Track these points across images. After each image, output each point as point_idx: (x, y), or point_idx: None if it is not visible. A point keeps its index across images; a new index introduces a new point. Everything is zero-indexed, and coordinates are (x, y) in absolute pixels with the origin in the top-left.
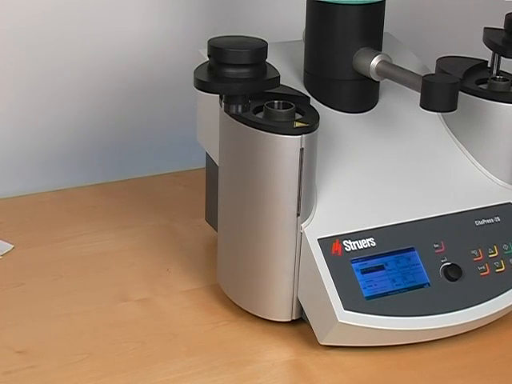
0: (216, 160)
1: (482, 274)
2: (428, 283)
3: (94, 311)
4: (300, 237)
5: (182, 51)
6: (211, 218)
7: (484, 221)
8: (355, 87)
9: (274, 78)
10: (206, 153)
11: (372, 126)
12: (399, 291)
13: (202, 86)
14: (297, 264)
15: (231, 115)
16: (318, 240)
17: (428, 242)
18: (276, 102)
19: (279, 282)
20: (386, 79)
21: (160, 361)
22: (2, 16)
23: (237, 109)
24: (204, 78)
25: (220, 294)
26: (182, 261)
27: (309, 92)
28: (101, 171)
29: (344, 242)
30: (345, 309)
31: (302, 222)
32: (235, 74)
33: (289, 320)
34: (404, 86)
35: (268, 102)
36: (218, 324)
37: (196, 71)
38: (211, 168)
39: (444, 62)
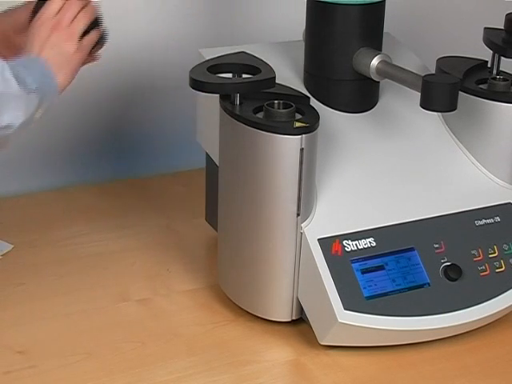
0: (216, 160)
1: (482, 273)
2: (428, 283)
3: (93, 311)
4: (300, 237)
5: (182, 51)
6: (211, 217)
7: (484, 221)
8: (355, 87)
9: (269, 79)
10: (206, 153)
11: (372, 126)
12: (399, 291)
13: (196, 85)
14: (297, 264)
15: (231, 115)
16: (318, 240)
17: (428, 242)
18: (276, 101)
19: (279, 282)
20: (386, 79)
21: (160, 361)
22: None
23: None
24: (199, 77)
25: (220, 294)
26: (182, 261)
27: (309, 92)
28: (101, 171)
29: (344, 242)
30: (345, 309)
31: (302, 222)
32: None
33: (289, 320)
34: (404, 86)
35: (268, 102)
36: (218, 324)
37: (192, 71)
38: (211, 168)
39: (444, 62)
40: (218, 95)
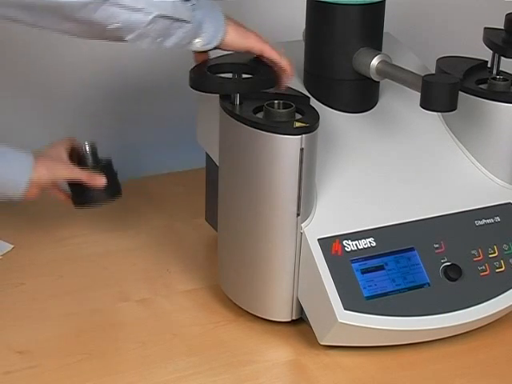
0: (216, 160)
1: (482, 273)
2: (428, 283)
3: (94, 311)
4: (300, 237)
5: (182, 52)
6: (211, 217)
7: (484, 221)
8: (355, 87)
9: (269, 79)
10: (206, 153)
11: (372, 126)
12: (399, 291)
13: (196, 85)
14: (297, 264)
15: (231, 115)
16: (318, 240)
17: (428, 242)
18: (276, 101)
19: (279, 282)
20: (386, 79)
21: (160, 361)
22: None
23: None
24: (199, 77)
25: (220, 294)
26: (182, 261)
27: (309, 92)
28: None
29: (344, 242)
30: (345, 309)
31: (302, 222)
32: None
33: (289, 320)
34: (404, 86)
35: (268, 102)
36: (218, 324)
37: (192, 71)
38: (211, 168)
39: (444, 62)
40: (217, 95)
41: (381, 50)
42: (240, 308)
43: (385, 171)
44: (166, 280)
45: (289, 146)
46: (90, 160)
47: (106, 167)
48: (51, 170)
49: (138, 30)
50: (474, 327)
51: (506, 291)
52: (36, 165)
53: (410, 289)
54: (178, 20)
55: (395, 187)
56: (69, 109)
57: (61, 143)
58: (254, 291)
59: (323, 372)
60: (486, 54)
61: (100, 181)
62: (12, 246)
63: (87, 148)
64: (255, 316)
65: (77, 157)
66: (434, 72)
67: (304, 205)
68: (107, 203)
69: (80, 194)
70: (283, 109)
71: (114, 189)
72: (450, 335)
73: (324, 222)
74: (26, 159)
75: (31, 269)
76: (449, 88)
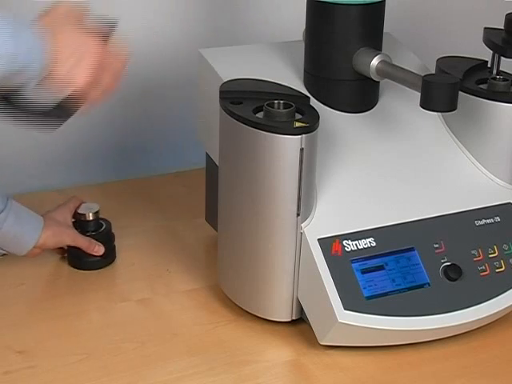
0: (216, 160)
1: (482, 273)
2: (428, 283)
3: (94, 311)
4: (300, 237)
5: (182, 51)
6: (211, 217)
7: (484, 221)
8: (355, 87)
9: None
10: (206, 153)
11: (372, 126)
12: (399, 291)
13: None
14: (297, 264)
15: (231, 115)
16: (318, 240)
17: (428, 242)
18: (276, 101)
19: (279, 282)
20: (386, 79)
21: (160, 361)
22: None
23: None
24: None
25: (220, 294)
26: (182, 261)
27: (309, 92)
28: (101, 171)
29: (344, 242)
30: (345, 309)
31: (302, 222)
32: None
33: (289, 320)
34: (404, 86)
35: (268, 102)
36: (218, 324)
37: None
38: (211, 168)
39: (444, 62)
40: (217, 95)
41: (381, 50)
42: (240, 308)
43: (385, 171)
44: (165, 280)
45: (289, 146)
46: (91, 227)
47: (105, 235)
48: (57, 236)
49: None
50: (474, 327)
51: (506, 291)
52: (44, 229)
53: (409, 289)
54: None
55: (395, 187)
56: None
57: (67, 207)
58: (253, 291)
59: (323, 372)
60: (486, 54)
61: (98, 251)
62: None
63: (90, 216)
64: (255, 316)
65: (79, 221)
66: (434, 72)
67: (304, 205)
68: (100, 268)
69: (77, 257)
70: (283, 109)
71: (109, 257)
72: (450, 335)
73: (324, 222)
74: (38, 223)
75: (31, 269)
76: (449, 88)
